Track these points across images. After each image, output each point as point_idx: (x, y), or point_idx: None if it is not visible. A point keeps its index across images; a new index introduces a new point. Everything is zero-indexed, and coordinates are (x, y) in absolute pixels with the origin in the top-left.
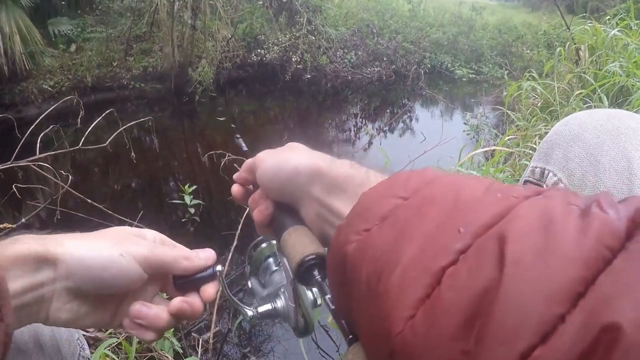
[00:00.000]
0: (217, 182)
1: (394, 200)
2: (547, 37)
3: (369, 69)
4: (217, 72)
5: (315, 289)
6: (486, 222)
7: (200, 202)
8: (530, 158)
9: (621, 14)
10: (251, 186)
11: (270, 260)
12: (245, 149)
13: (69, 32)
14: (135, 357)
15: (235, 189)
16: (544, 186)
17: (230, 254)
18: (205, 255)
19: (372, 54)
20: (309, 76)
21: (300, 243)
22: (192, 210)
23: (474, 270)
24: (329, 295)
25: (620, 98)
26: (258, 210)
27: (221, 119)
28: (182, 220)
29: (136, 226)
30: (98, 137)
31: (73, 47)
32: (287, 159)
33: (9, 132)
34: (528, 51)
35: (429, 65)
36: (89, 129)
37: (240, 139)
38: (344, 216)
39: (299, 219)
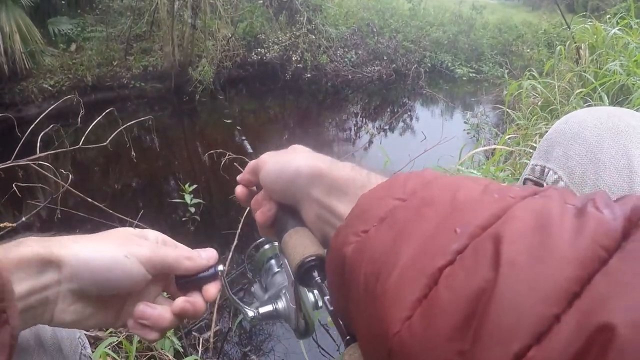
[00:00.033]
0: (217, 181)
1: (392, 202)
2: (547, 36)
3: (369, 68)
4: (218, 71)
5: (316, 291)
6: (482, 223)
7: (201, 201)
8: (531, 157)
9: (621, 12)
10: (254, 187)
11: (273, 261)
12: (250, 150)
13: (69, 31)
14: (135, 356)
15: (239, 190)
16: (544, 184)
17: (231, 253)
18: (207, 255)
19: (372, 53)
20: (309, 75)
21: (301, 244)
22: (193, 210)
23: (470, 270)
24: (328, 297)
25: (620, 97)
26: (261, 212)
27: (228, 121)
28: (183, 219)
29: (137, 225)
30: (98, 136)
31: (73, 47)
32: (289, 160)
33: (9, 132)
34: (528, 50)
35: (429, 64)
36: (89, 128)
37: (245, 141)
38: (345, 218)
39: (300, 220)
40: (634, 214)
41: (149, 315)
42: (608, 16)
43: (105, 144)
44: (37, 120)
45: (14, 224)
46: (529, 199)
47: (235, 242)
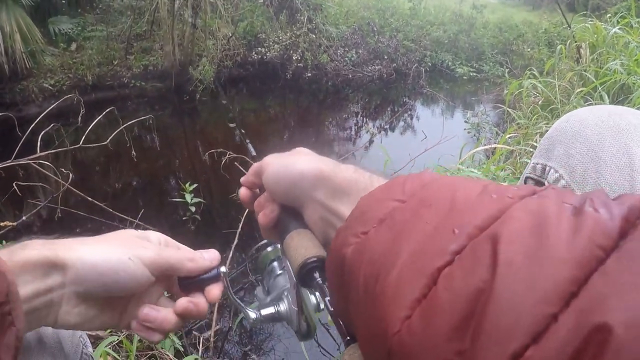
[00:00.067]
0: (217, 180)
1: (391, 203)
2: (547, 35)
3: (369, 68)
4: (218, 71)
5: (317, 293)
6: (480, 223)
7: (201, 200)
8: (531, 156)
9: (622, 11)
10: (257, 190)
11: (275, 263)
12: (253, 153)
13: (69, 30)
14: (136, 355)
15: (243, 192)
16: (545, 183)
17: (231, 252)
18: (209, 257)
19: (372, 52)
20: (309, 74)
21: (303, 246)
22: (193, 209)
23: (468, 271)
24: (329, 298)
25: (621, 96)
26: (263, 214)
27: (231, 125)
28: (183, 218)
29: (137, 224)
30: (99, 135)
31: (73, 46)
32: (292, 163)
33: (9, 131)
34: (529, 49)
35: (430, 64)
36: (90, 128)
37: (249, 144)
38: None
39: (302, 222)
40: (631, 214)
41: (153, 318)
42: (609, 15)
43: (105, 143)
44: (38, 120)
45: (15, 223)
46: (527, 199)
47: (236, 241)
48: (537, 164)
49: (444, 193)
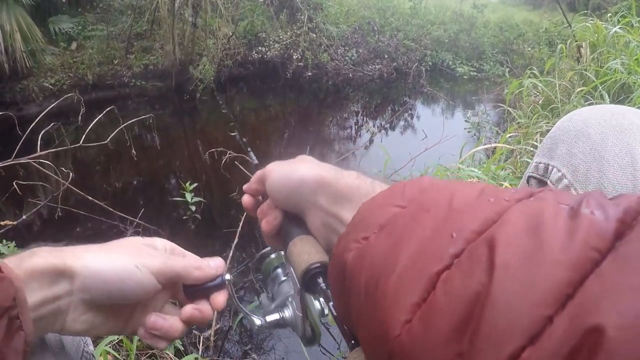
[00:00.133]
0: (218, 179)
1: (391, 209)
2: (548, 34)
3: (370, 67)
4: (218, 70)
5: (322, 298)
6: (478, 227)
7: (202, 199)
8: (532, 155)
9: (622, 11)
10: (260, 197)
11: (279, 270)
12: (256, 162)
13: (69, 30)
14: (136, 354)
15: (246, 199)
16: (548, 182)
17: (232, 252)
18: (215, 264)
19: (373, 52)
20: (310, 74)
21: (306, 252)
22: (193, 208)
23: (466, 275)
24: (332, 303)
25: (621, 95)
26: (266, 221)
27: (233, 133)
28: (183, 217)
29: (137, 224)
30: (99, 134)
31: (74, 45)
32: (294, 170)
33: (10, 130)
34: (529, 49)
35: (430, 63)
36: (90, 127)
37: (251, 152)
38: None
39: (305, 229)
40: (627, 215)
41: (160, 326)
42: (609, 15)
43: (106, 142)
44: (38, 119)
45: (15, 222)
46: (524, 201)
47: (236, 240)
48: (540, 163)
49: (442, 197)
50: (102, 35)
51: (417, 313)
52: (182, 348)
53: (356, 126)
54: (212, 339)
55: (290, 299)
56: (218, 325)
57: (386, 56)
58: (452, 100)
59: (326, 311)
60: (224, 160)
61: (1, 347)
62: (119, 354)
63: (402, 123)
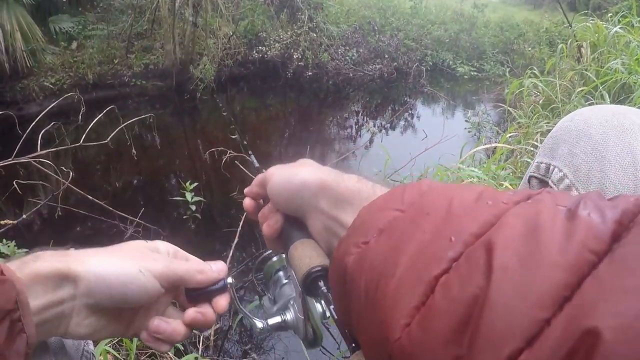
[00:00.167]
0: (218, 179)
1: (391, 213)
2: (548, 34)
3: (370, 67)
4: (219, 70)
5: (323, 302)
6: (476, 230)
7: (202, 199)
8: (532, 155)
9: (623, 11)
10: (261, 201)
11: (281, 273)
12: (257, 165)
13: (70, 29)
14: (135, 353)
15: (247, 202)
16: (549, 182)
17: (232, 251)
18: (217, 268)
19: (373, 52)
20: (310, 73)
21: (307, 255)
22: (194, 208)
23: (464, 278)
24: (333, 306)
25: (622, 95)
26: (267, 224)
27: (234, 136)
28: (184, 217)
29: (137, 223)
30: (99, 134)
31: (74, 45)
32: (295, 173)
33: (10, 130)
34: (530, 49)
35: (431, 63)
36: (90, 126)
37: (252, 156)
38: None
39: (306, 232)
40: (624, 217)
41: (163, 330)
42: (610, 14)
43: (106, 141)
44: (38, 118)
45: (15, 221)
46: (522, 204)
47: (236, 240)
48: (541, 163)
49: (441, 201)
50: (103, 34)
51: (416, 316)
52: (181, 347)
53: (356, 126)
54: (212, 338)
55: (292, 302)
56: (218, 325)
57: (387, 56)
58: (452, 100)
59: (327, 314)
60: (224, 159)
61: (3, 349)
62: (119, 353)
63: (402, 123)
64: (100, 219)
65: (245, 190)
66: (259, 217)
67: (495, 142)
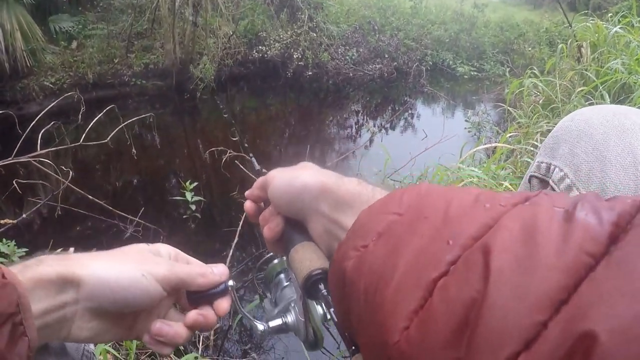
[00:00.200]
0: (218, 178)
1: (390, 217)
2: (549, 34)
3: (370, 66)
4: (219, 69)
5: (323, 304)
6: (474, 233)
7: (202, 198)
8: (532, 155)
9: (623, 11)
10: (262, 204)
11: (282, 275)
12: (257, 167)
13: (70, 29)
14: (135, 353)
15: (248, 205)
16: (550, 181)
17: (231, 251)
18: (219, 271)
19: (373, 51)
20: (310, 73)
21: (307, 258)
22: (193, 207)
23: (462, 281)
24: (334, 309)
25: (622, 95)
26: (268, 227)
27: (234, 138)
28: (184, 216)
29: (137, 223)
30: (99, 133)
31: (74, 44)
32: (297, 176)
33: (10, 129)
34: (530, 48)
35: (431, 63)
36: (90, 126)
37: (253, 158)
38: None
39: (307, 235)
40: (621, 219)
41: (165, 333)
42: (610, 14)
43: (106, 141)
44: (38, 118)
45: (15, 221)
46: (519, 206)
47: (236, 239)
48: (542, 162)
49: (439, 204)
50: (103, 34)
51: (414, 320)
52: (182, 347)
53: (356, 125)
54: (211, 338)
55: (293, 304)
56: (218, 325)
57: (387, 56)
58: (452, 100)
59: (328, 317)
60: (224, 159)
61: (5, 353)
62: (119, 353)
63: (402, 123)
64: (100, 218)
65: (246, 193)
66: (259, 220)
67: (495, 142)
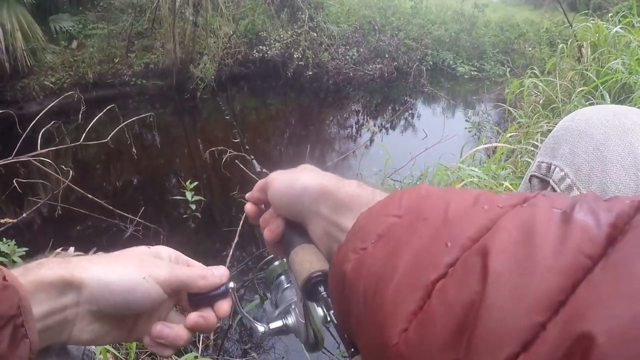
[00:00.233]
0: (218, 178)
1: (389, 219)
2: (549, 34)
3: (370, 66)
4: (219, 69)
5: (323, 306)
6: (472, 235)
7: (202, 198)
8: (532, 155)
9: (623, 11)
10: (263, 206)
11: (282, 277)
12: (258, 169)
13: (70, 28)
14: (135, 352)
15: (249, 207)
16: (551, 181)
17: (232, 250)
18: (219, 273)
19: (373, 51)
20: (310, 73)
21: (307, 260)
22: (194, 207)
23: (460, 284)
24: (333, 311)
25: (622, 95)
26: (268, 229)
27: (236, 140)
28: (184, 216)
29: (137, 222)
30: (99, 133)
31: (74, 44)
32: (297, 178)
33: (10, 128)
34: (530, 48)
35: (431, 63)
36: (90, 125)
37: (254, 160)
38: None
39: (307, 237)
40: (619, 220)
41: (166, 335)
42: (610, 14)
43: (106, 140)
44: (38, 117)
45: (15, 220)
46: (517, 208)
47: (236, 239)
48: (542, 162)
49: (438, 206)
50: (103, 33)
51: (413, 322)
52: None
53: (357, 125)
54: (211, 337)
55: (293, 306)
56: (218, 325)
57: (387, 55)
58: (452, 100)
59: (328, 319)
60: (224, 159)
61: (6, 355)
62: (119, 352)
63: (402, 122)
64: (100, 218)
65: (247, 195)
66: (260, 222)
67: (496, 142)
